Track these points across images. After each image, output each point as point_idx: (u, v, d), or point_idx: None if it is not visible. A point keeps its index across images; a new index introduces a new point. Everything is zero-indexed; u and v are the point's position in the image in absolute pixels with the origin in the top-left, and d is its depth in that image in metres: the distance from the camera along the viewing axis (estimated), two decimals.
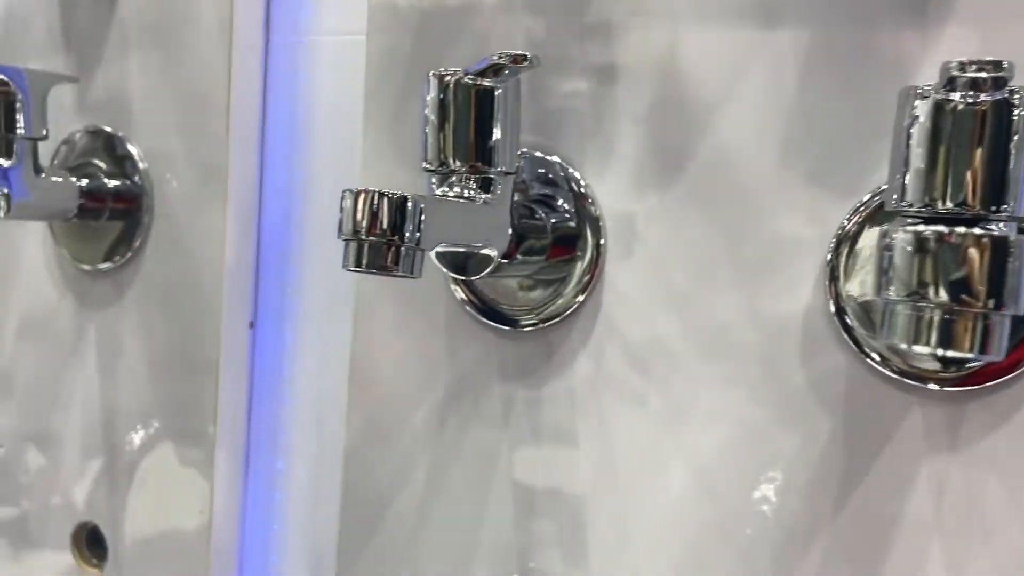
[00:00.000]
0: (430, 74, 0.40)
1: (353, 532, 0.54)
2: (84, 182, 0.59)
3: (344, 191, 0.34)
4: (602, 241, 0.45)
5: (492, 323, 0.48)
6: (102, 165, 0.59)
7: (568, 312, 0.46)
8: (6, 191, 0.54)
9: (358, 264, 0.33)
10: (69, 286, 0.62)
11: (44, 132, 0.55)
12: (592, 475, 0.46)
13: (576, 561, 0.47)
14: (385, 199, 0.33)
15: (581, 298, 0.45)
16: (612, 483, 0.46)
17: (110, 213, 0.59)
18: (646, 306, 0.44)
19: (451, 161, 0.39)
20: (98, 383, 0.61)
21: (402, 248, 0.33)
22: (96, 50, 0.60)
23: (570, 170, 0.46)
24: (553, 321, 0.46)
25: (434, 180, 0.40)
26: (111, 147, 0.59)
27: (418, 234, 0.33)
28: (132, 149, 0.58)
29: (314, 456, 0.61)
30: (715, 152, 0.43)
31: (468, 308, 0.49)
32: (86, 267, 0.61)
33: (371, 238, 0.33)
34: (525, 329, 0.47)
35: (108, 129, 0.59)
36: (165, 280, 0.58)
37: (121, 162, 0.59)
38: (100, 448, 0.61)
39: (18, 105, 0.53)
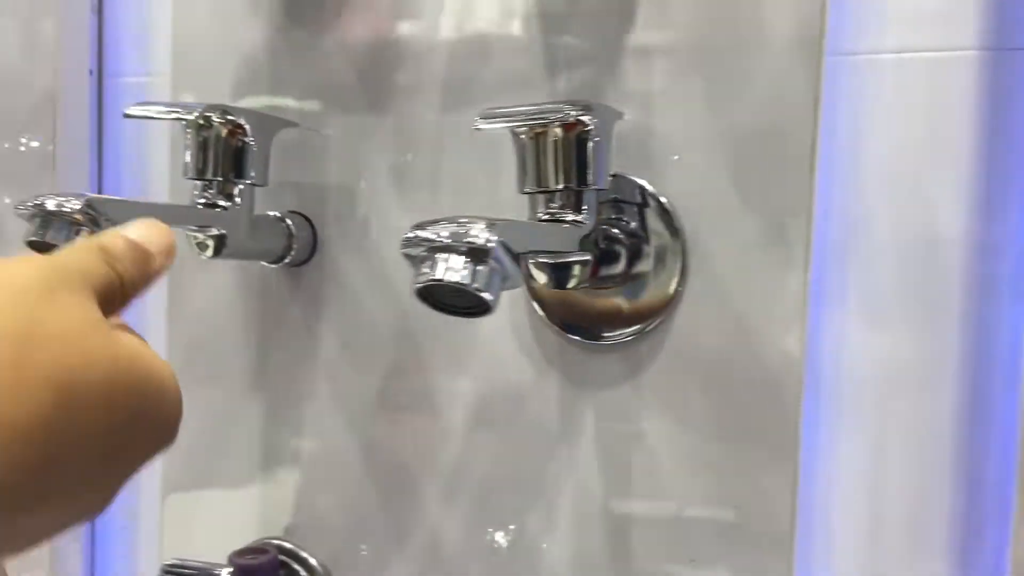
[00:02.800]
0: None
1: None
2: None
3: None
4: None
5: None
6: (618, 218, 0.49)
7: None
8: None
9: None
10: (552, 362, 0.52)
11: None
12: None
13: None
14: None
15: None
16: None
17: (624, 274, 0.50)
18: None
19: None
20: (602, 477, 0.51)
21: None
22: (601, 77, 0.50)
23: None
24: None
25: None
26: (631, 195, 0.49)
27: None
28: (662, 199, 0.49)
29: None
30: None
31: None
32: (579, 339, 0.51)
33: None
34: None
35: (623, 173, 0.49)
36: (702, 356, 0.48)
37: (642, 213, 0.49)
38: (614, 552, 0.50)
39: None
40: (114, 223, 0.42)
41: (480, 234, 0.33)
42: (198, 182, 0.49)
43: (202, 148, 0.49)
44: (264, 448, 0.60)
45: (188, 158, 0.49)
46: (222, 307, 0.61)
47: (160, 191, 0.68)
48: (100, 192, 0.70)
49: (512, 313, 0.53)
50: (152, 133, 0.68)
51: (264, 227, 0.52)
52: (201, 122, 0.48)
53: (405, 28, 0.55)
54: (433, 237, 0.34)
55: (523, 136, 0.41)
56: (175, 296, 0.63)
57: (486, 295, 0.34)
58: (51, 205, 0.40)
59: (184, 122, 0.47)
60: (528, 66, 0.52)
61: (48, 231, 0.41)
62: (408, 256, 0.35)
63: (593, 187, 0.42)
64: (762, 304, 0.46)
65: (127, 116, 0.47)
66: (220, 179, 0.49)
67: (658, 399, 0.49)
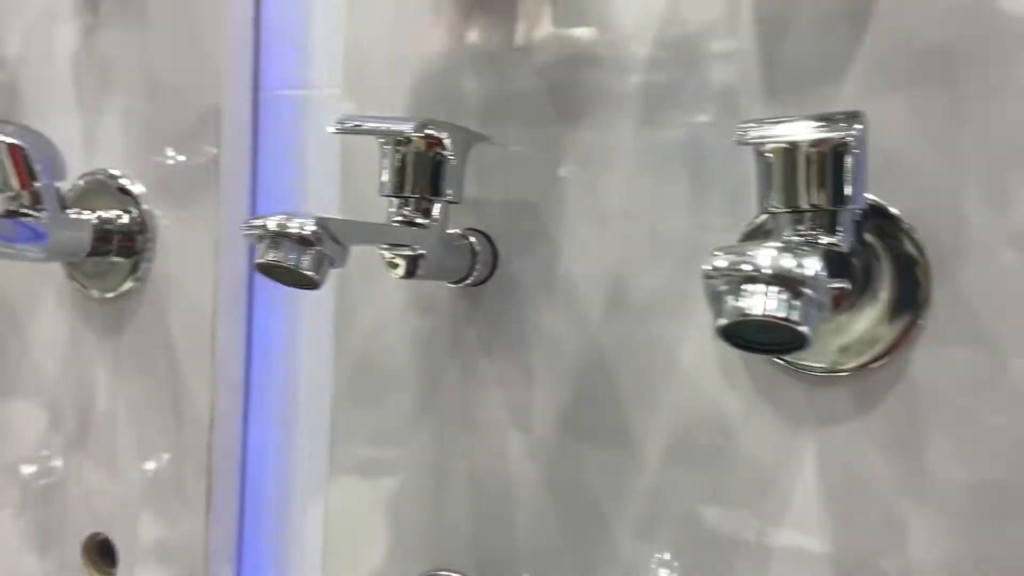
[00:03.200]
0: None
1: None
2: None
3: None
4: None
5: None
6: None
7: None
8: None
9: None
10: (765, 394, 0.49)
11: None
12: None
13: None
14: None
15: None
16: None
17: (856, 300, 0.46)
18: None
19: None
20: (824, 524, 0.47)
21: None
22: (826, 85, 0.46)
23: None
24: None
25: None
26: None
27: None
28: (894, 212, 0.45)
29: None
30: None
31: None
32: (797, 370, 0.47)
33: None
34: None
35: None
36: (949, 392, 0.43)
37: (862, 232, 0.45)
38: None
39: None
40: (341, 244, 0.40)
41: (796, 262, 0.30)
42: (394, 199, 0.47)
43: (400, 164, 0.46)
44: (435, 474, 0.57)
45: (386, 175, 0.47)
46: (392, 326, 0.59)
47: (319, 205, 0.66)
48: (256, 208, 0.68)
49: (716, 339, 0.49)
50: (309, 146, 0.67)
51: (453, 246, 0.50)
52: (400, 137, 0.45)
53: (602, 34, 0.52)
54: (745, 265, 0.30)
55: (768, 152, 0.38)
56: (342, 313, 0.61)
57: (804, 330, 0.30)
58: (273, 225, 0.38)
59: (383, 138, 0.45)
60: (741, 76, 0.48)
61: (279, 252, 0.39)
62: (712, 289, 0.32)
63: (850, 206, 0.38)
64: None
65: (334, 132, 0.45)
66: (418, 196, 0.47)
67: (894, 440, 0.45)
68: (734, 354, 0.49)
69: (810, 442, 0.47)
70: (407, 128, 0.44)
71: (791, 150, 0.38)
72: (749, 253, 0.31)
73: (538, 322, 0.54)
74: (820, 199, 0.38)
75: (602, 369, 0.52)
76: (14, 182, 0.60)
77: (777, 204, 0.38)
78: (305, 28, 0.67)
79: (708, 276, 0.32)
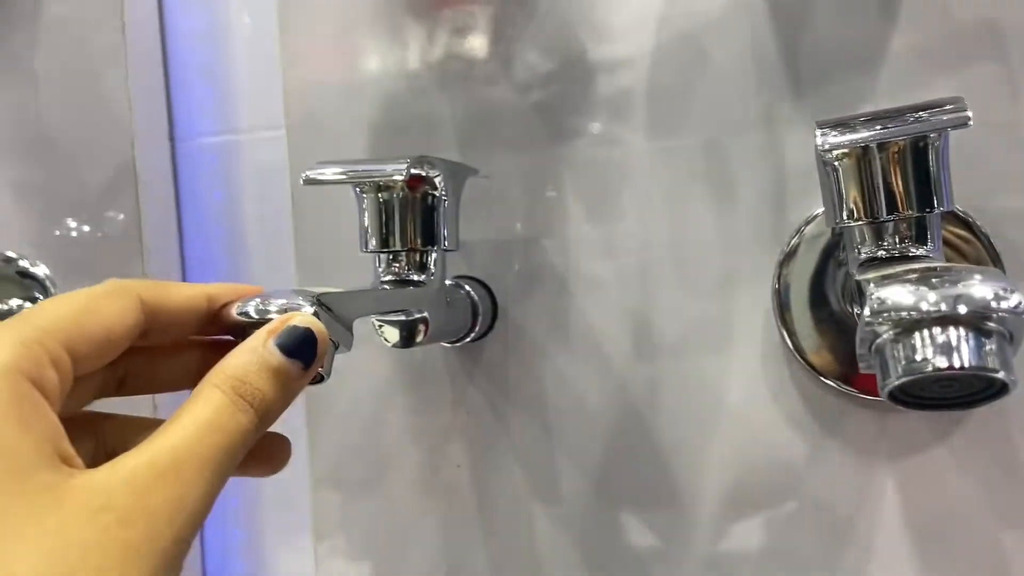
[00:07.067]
0: None
1: None
2: None
3: None
4: None
5: None
6: None
7: None
8: None
9: None
10: (831, 428, 0.43)
11: None
12: None
13: None
14: None
15: None
16: None
17: None
18: None
19: None
20: (917, 570, 0.42)
21: None
22: (863, 81, 0.41)
23: None
24: None
25: None
26: None
27: None
28: (959, 210, 0.40)
29: None
30: None
31: None
32: (867, 398, 0.42)
33: None
34: None
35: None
36: None
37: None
38: None
39: None
40: (343, 324, 0.32)
41: (988, 294, 0.24)
42: (380, 255, 0.39)
43: (384, 213, 0.39)
44: (451, 561, 0.50)
45: (367, 225, 0.39)
46: (377, 398, 0.51)
47: (262, 268, 0.58)
48: (186, 273, 0.59)
49: (766, 371, 0.44)
50: (241, 200, 0.58)
51: (453, 302, 0.42)
52: (381, 182, 0.38)
53: (593, 36, 0.46)
54: (925, 306, 0.24)
55: (845, 158, 0.33)
56: (314, 392, 0.52)
57: (1003, 375, 0.24)
58: (275, 308, 0.29)
59: (363, 183, 0.37)
60: (760, 74, 0.43)
61: None
62: (877, 337, 0.25)
63: (939, 210, 0.33)
64: None
65: (307, 183, 0.36)
66: (409, 249, 0.39)
67: (983, 465, 0.40)
68: (786, 384, 0.43)
69: (888, 478, 0.42)
70: (395, 170, 0.36)
71: (869, 155, 0.32)
72: (920, 288, 0.25)
73: (552, 375, 0.47)
74: (907, 206, 0.32)
75: (635, 420, 0.46)
76: None
77: (863, 215, 0.33)
78: (220, 64, 0.59)
79: (875, 320, 0.26)
